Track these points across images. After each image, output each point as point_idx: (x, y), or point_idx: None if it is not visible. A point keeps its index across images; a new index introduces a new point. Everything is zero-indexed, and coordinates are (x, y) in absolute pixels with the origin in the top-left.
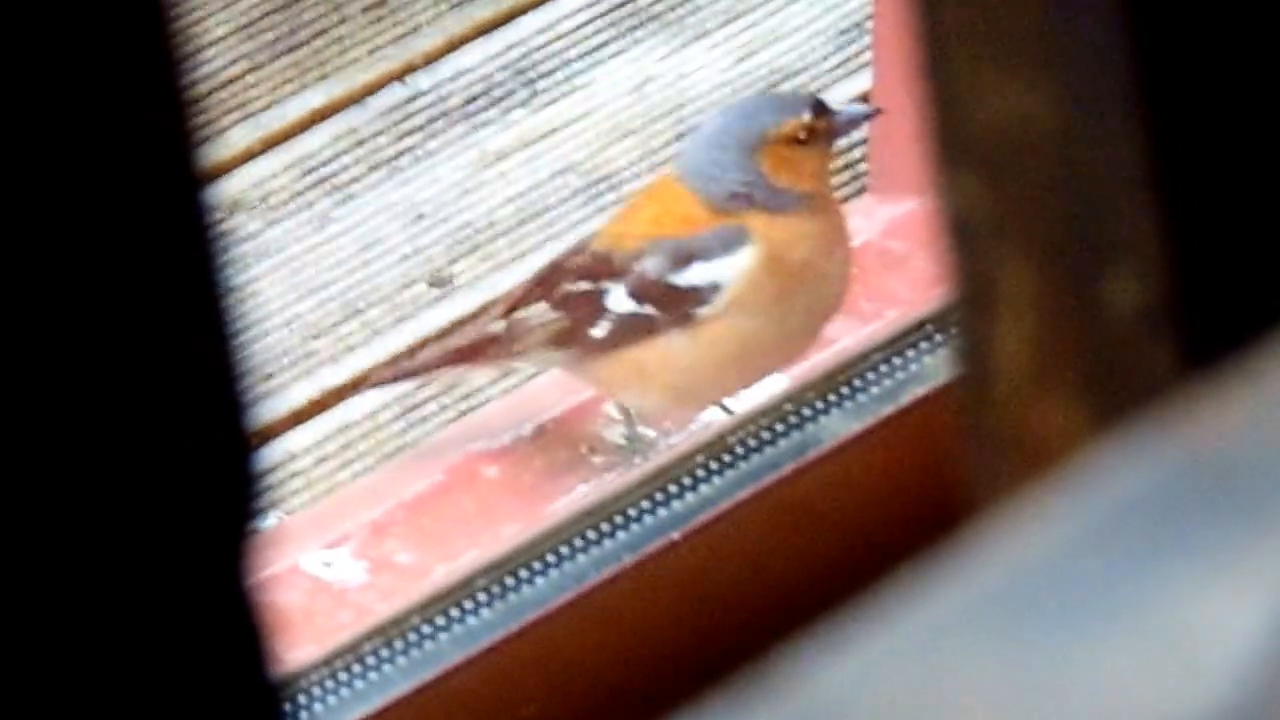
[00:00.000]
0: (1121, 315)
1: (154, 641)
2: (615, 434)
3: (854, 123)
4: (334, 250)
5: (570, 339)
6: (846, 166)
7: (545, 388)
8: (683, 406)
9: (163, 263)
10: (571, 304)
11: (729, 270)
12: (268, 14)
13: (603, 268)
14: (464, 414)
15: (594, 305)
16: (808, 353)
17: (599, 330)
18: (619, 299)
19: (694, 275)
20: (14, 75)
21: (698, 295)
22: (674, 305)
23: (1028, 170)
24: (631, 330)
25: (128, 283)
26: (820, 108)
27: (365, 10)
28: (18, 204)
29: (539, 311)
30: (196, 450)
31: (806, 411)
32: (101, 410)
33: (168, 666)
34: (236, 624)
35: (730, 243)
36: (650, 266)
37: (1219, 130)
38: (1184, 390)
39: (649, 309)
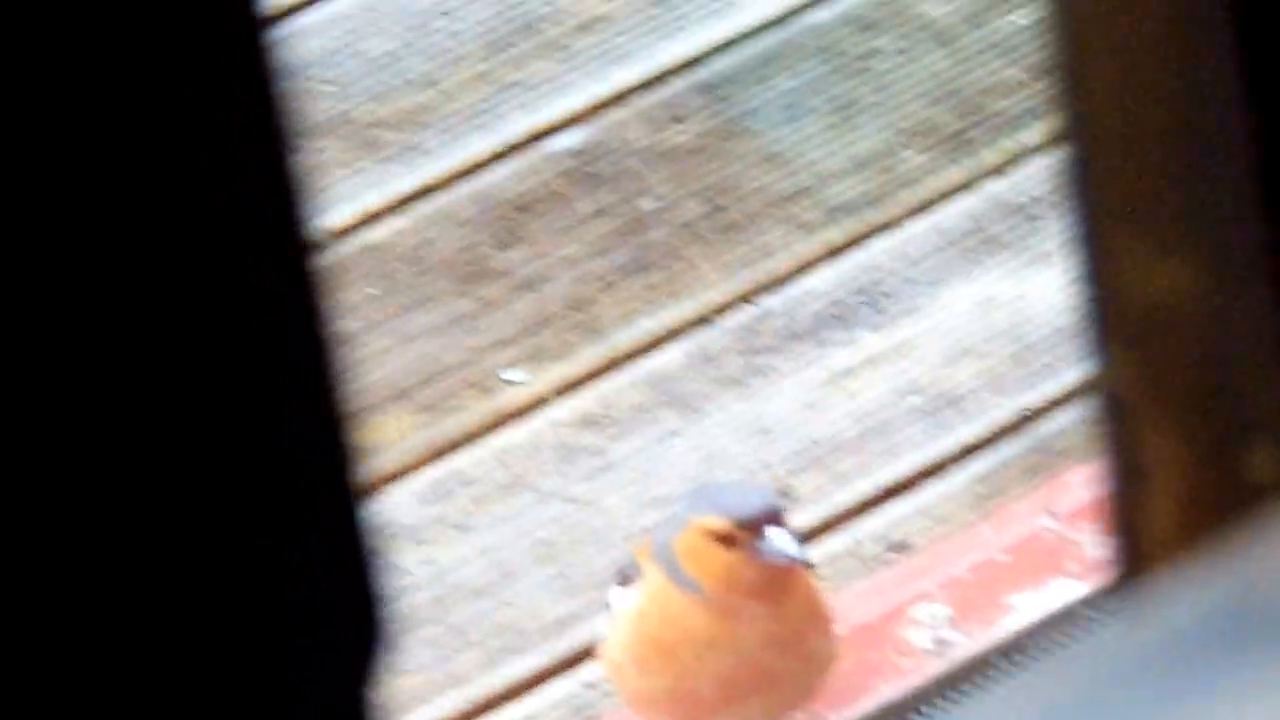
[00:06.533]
0: (1264, 484)
1: None
2: (923, 638)
3: (777, 558)
4: (679, 464)
5: None
6: None
7: (857, 595)
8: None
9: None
10: None
11: (620, 598)
12: (621, 235)
13: None
14: None
15: None
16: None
17: None
18: None
19: (613, 591)
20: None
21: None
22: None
23: (1175, 344)
24: None
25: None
26: (749, 524)
27: (717, 232)
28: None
29: None
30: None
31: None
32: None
33: None
34: None
35: (629, 578)
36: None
37: None
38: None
39: None
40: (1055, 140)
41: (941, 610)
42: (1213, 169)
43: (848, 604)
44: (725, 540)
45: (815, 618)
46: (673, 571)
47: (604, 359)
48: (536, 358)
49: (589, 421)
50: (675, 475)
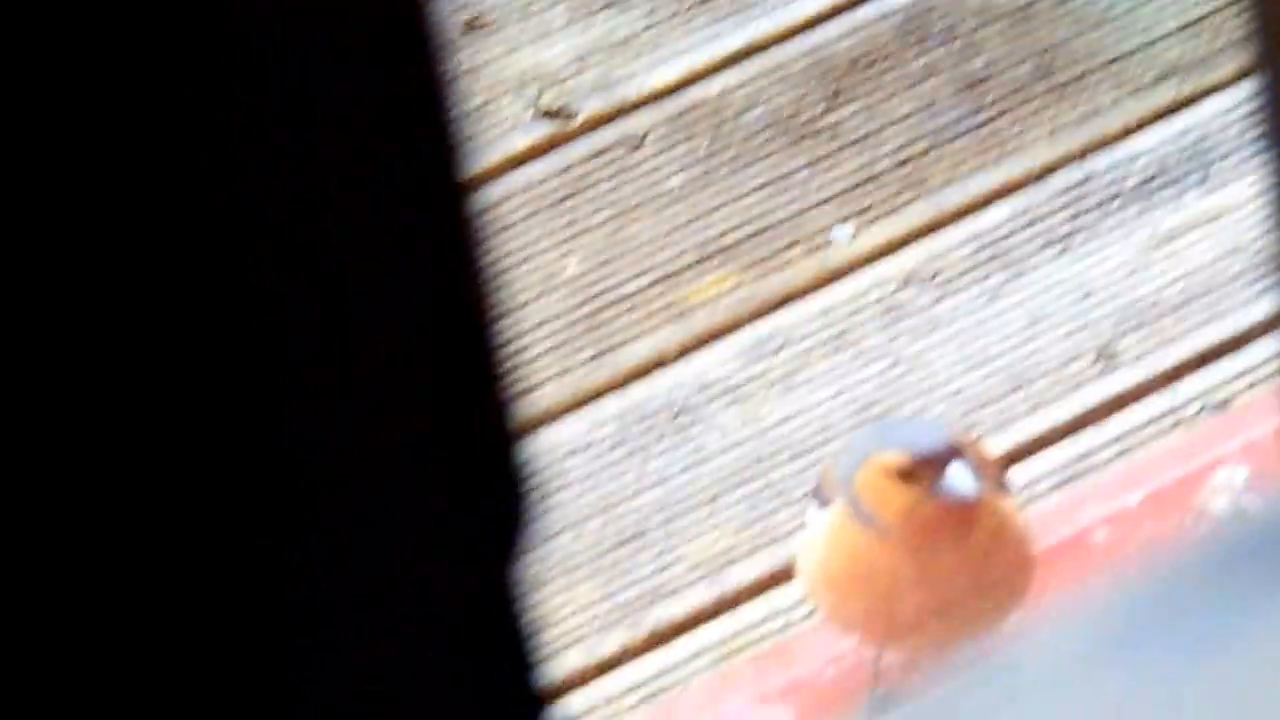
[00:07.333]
0: None
1: None
2: (1220, 504)
3: (956, 496)
4: (1003, 324)
5: None
6: None
7: (1157, 458)
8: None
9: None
10: None
11: (814, 521)
12: (948, 95)
13: None
14: (1069, 480)
15: None
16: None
17: None
18: None
19: (810, 509)
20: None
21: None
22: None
23: None
24: None
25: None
26: (929, 460)
27: (1047, 92)
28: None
29: None
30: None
31: None
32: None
33: None
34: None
35: (824, 502)
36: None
37: None
38: None
39: None
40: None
41: (1241, 474)
42: None
43: (1150, 467)
44: (905, 476)
45: (1003, 547)
46: (855, 506)
47: (931, 218)
48: (863, 216)
49: (914, 280)
50: (999, 335)
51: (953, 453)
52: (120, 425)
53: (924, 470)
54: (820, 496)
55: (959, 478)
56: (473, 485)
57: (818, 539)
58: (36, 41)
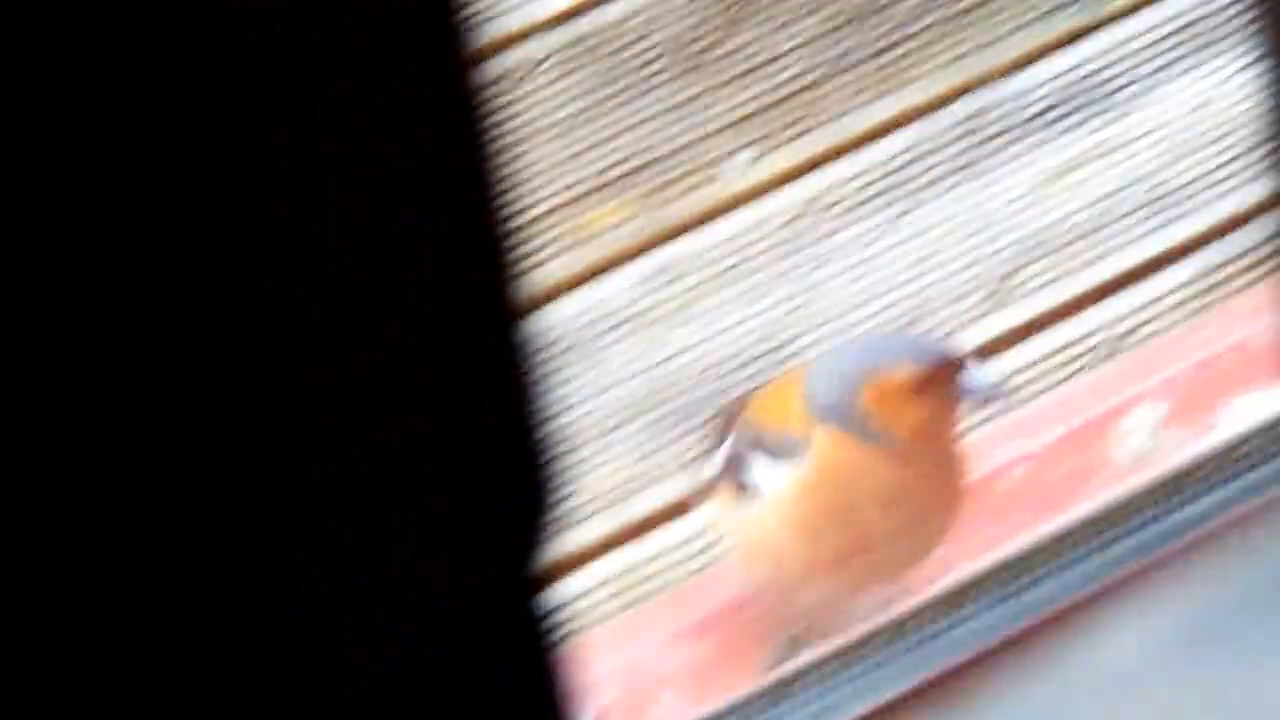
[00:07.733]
0: None
1: None
2: (1139, 440)
3: (981, 396)
4: (902, 254)
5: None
6: None
7: (1077, 394)
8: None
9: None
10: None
11: (769, 475)
12: (846, 23)
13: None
14: (983, 416)
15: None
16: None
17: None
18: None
19: (755, 469)
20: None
21: (752, 488)
22: (741, 488)
23: None
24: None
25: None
26: (946, 365)
27: (943, 22)
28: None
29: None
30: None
31: None
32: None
33: None
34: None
35: (788, 453)
36: (737, 446)
37: None
38: None
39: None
40: None
41: (1159, 410)
42: None
43: (1065, 402)
44: (922, 387)
45: (955, 465)
46: (854, 427)
47: (828, 147)
48: (760, 145)
49: (812, 210)
50: (898, 266)
51: (953, 361)
52: (121, 425)
53: (944, 374)
54: (724, 438)
55: (983, 373)
56: (473, 485)
57: (790, 485)
58: (37, 41)
